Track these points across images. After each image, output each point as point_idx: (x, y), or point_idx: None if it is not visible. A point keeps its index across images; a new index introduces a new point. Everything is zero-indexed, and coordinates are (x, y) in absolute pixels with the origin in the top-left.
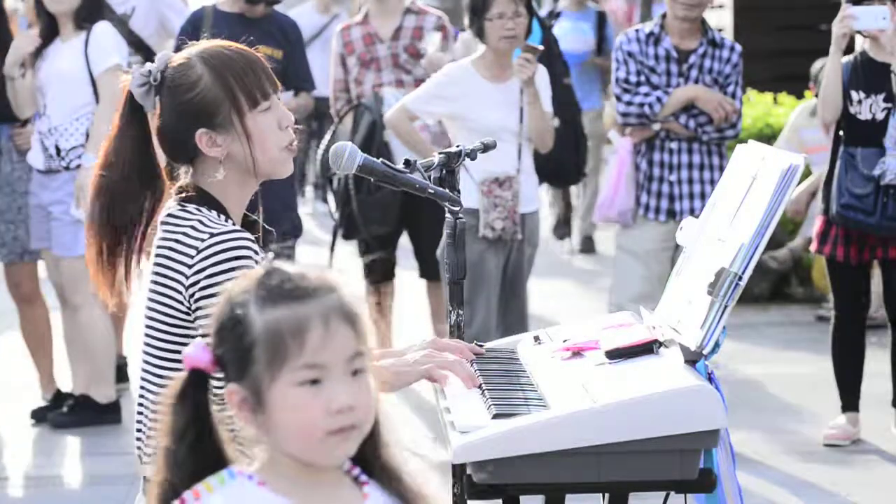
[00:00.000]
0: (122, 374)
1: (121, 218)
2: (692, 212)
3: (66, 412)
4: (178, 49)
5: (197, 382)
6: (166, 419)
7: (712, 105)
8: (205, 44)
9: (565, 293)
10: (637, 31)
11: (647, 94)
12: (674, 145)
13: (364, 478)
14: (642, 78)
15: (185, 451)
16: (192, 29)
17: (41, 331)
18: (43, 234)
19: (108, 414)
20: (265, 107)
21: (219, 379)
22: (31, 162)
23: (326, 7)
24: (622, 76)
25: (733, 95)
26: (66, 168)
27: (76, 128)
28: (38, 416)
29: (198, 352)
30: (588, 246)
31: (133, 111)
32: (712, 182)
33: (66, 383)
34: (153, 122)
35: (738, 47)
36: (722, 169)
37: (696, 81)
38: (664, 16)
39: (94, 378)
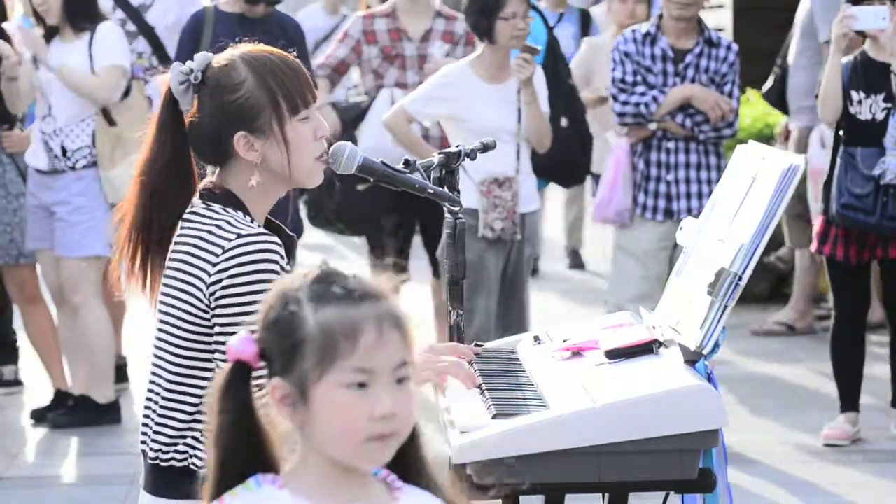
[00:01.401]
0: (121, 374)
1: (160, 218)
2: (690, 211)
3: (66, 412)
4: (179, 48)
5: (241, 374)
6: (214, 413)
7: (709, 104)
8: (249, 47)
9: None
10: (634, 31)
11: (643, 94)
12: (671, 145)
13: (398, 483)
14: (639, 78)
15: (234, 443)
16: (194, 29)
17: (47, 332)
18: (40, 235)
19: (107, 414)
20: (304, 115)
21: (261, 372)
22: (32, 163)
23: (335, 8)
24: (619, 76)
25: (730, 95)
26: (72, 168)
27: (82, 129)
28: (38, 416)
29: (243, 344)
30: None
31: (172, 111)
32: (710, 182)
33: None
34: (187, 119)
35: (735, 46)
36: (719, 168)
37: (693, 81)
38: (661, 16)
39: (93, 378)
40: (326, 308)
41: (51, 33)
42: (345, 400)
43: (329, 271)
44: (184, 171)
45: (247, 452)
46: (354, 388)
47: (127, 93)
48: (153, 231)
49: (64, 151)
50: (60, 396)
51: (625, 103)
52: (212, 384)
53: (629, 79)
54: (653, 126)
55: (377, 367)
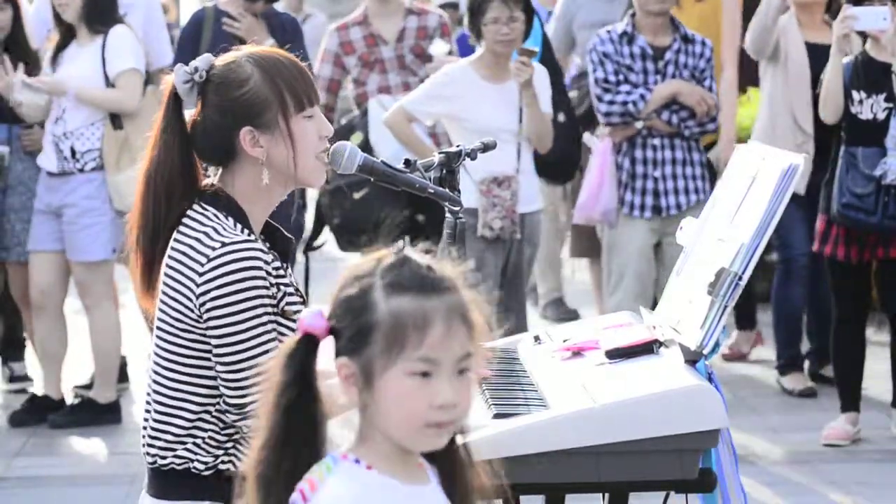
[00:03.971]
0: (121, 374)
1: (163, 220)
2: (679, 207)
3: (66, 412)
4: (179, 49)
5: (307, 348)
6: (273, 377)
7: (695, 99)
8: (251, 48)
9: None
10: (609, 31)
11: (629, 93)
12: (657, 142)
13: (422, 461)
14: (621, 77)
15: (286, 411)
16: (195, 28)
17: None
18: (41, 237)
19: (108, 414)
20: (309, 113)
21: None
22: (43, 164)
23: (298, 6)
24: (601, 76)
25: (710, 89)
26: (81, 171)
27: (92, 132)
28: (16, 419)
29: (314, 318)
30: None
31: (175, 112)
32: (695, 177)
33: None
34: (189, 120)
35: (709, 42)
36: (702, 164)
37: (673, 77)
38: (633, 14)
39: (97, 379)
40: (399, 296)
41: (66, 38)
42: (407, 388)
43: (404, 257)
44: (187, 173)
45: (303, 426)
46: (418, 377)
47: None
48: (157, 233)
49: (73, 153)
50: (38, 401)
51: (611, 103)
52: (276, 354)
53: (612, 78)
54: (639, 125)
55: (442, 359)
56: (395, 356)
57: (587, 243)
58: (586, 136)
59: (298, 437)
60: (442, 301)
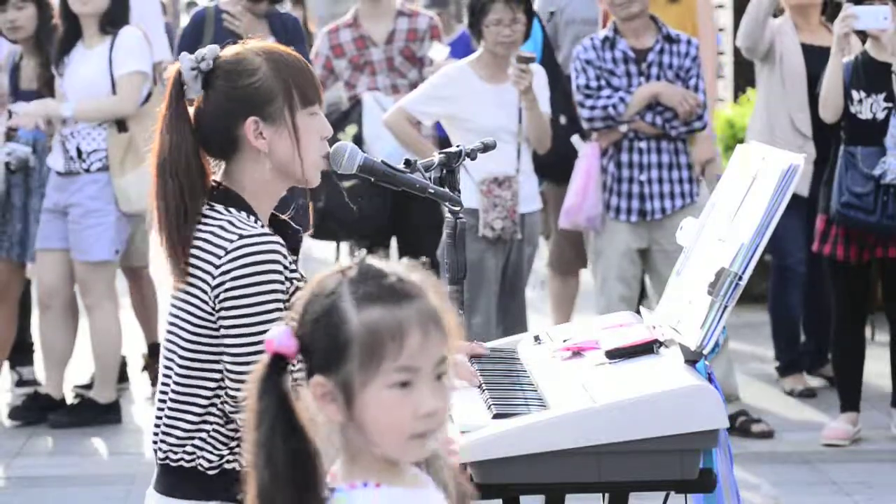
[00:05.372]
0: (121, 374)
1: (190, 216)
2: (664, 211)
3: (66, 412)
4: (180, 47)
5: (279, 368)
6: (253, 409)
7: (676, 99)
8: (257, 43)
9: None
10: (592, 38)
11: (609, 97)
12: (643, 145)
13: (416, 470)
14: (602, 82)
15: (279, 440)
16: (196, 28)
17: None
18: (47, 235)
19: (108, 414)
20: (313, 110)
21: (299, 366)
22: (51, 164)
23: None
24: (582, 83)
25: (696, 88)
26: (87, 171)
27: (98, 133)
28: (15, 414)
29: (283, 337)
30: None
31: (179, 103)
32: (681, 181)
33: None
34: (193, 110)
35: (696, 41)
36: (689, 167)
37: (658, 78)
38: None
39: (97, 379)
40: (370, 307)
41: (70, 39)
42: (389, 400)
43: (368, 267)
44: (194, 164)
45: (287, 447)
46: (398, 388)
47: (148, 97)
48: (174, 224)
49: (80, 153)
50: (39, 399)
51: (592, 108)
52: (249, 379)
53: (593, 84)
54: (623, 128)
55: (421, 366)
56: (374, 369)
57: (568, 256)
58: (574, 139)
59: (293, 464)
60: (414, 308)
